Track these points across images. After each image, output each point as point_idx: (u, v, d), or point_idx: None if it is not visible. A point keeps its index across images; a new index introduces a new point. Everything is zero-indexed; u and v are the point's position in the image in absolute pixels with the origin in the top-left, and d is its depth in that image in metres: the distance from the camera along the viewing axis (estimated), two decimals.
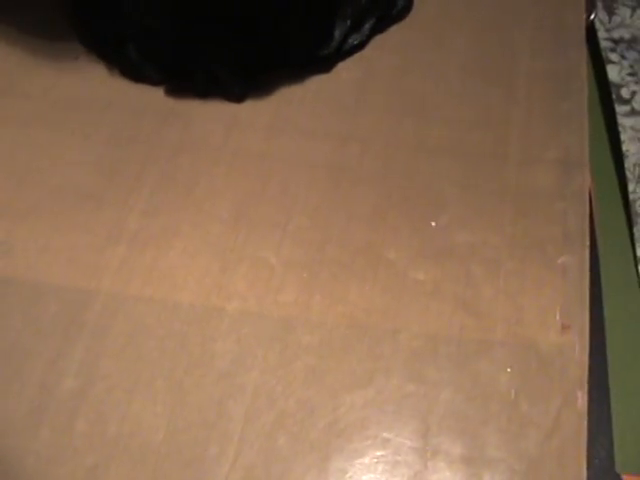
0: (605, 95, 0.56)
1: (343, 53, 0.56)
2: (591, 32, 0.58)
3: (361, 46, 0.56)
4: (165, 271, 0.46)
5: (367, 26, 0.56)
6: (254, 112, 0.53)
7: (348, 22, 0.55)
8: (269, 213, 0.48)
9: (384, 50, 0.56)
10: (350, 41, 0.56)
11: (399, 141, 0.51)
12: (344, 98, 0.54)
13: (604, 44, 0.57)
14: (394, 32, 0.57)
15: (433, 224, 0.47)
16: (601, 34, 0.58)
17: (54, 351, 0.43)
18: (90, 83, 0.55)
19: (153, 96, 0.54)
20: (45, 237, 0.48)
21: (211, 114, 0.53)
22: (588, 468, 0.39)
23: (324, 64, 0.55)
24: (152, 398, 0.41)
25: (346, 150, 0.51)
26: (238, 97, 0.54)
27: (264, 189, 0.49)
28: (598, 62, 0.57)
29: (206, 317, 0.44)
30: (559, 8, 0.58)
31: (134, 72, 0.55)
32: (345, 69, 0.55)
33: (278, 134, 0.52)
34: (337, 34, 0.55)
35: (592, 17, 0.59)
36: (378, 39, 0.57)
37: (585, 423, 0.40)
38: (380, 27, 0.57)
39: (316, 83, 0.54)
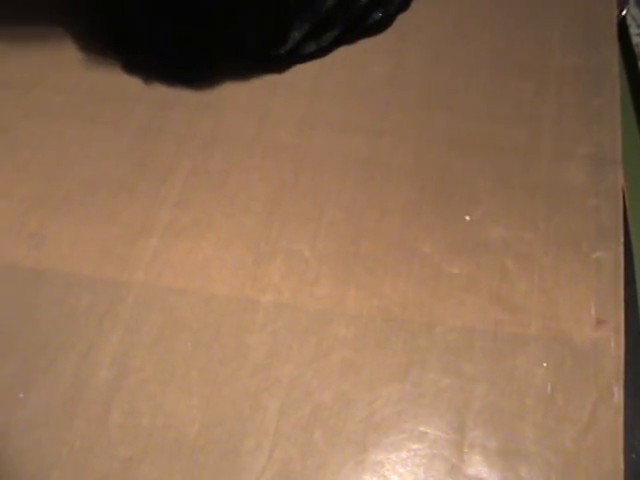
0: (637, 90, 0.55)
1: (299, 57, 0.56)
2: (623, 28, 0.58)
3: (321, 53, 0.56)
4: (198, 263, 0.45)
5: (329, 34, 0.56)
6: (286, 105, 0.53)
7: (307, 27, 0.55)
8: (302, 206, 0.48)
9: (415, 44, 0.56)
10: (307, 47, 0.56)
11: (431, 135, 0.51)
12: (375, 92, 0.54)
13: (636, 40, 0.57)
14: (425, 26, 0.58)
15: (467, 218, 0.46)
16: (633, 30, 0.58)
17: (88, 343, 0.43)
18: (119, 75, 0.56)
19: (182, 88, 0.54)
20: (77, 229, 0.48)
21: (242, 106, 0.53)
22: (624, 463, 0.39)
23: (276, 64, 0.56)
24: (187, 390, 0.41)
25: (378, 144, 0.50)
26: (188, 81, 0.55)
27: (297, 182, 0.49)
28: (630, 58, 0.57)
29: (240, 309, 0.44)
30: (591, 3, 0.58)
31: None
32: (376, 63, 0.55)
33: (310, 128, 0.52)
34: (292, 37, 0.55)
35: (624, 13, 0.58)
36: (407, 33, 0.57)
37: (621, 418, 0.40)
38: (349, 38, 0.57)
39: (347, 77, 0.55)
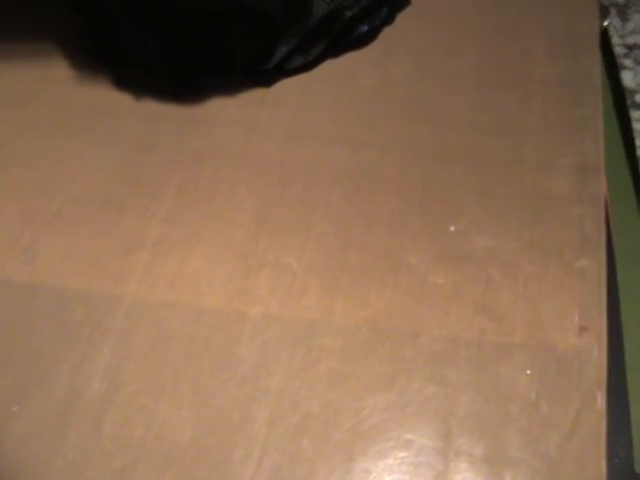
0: (620, 101, 0.56)
1: (286, 71, 0.57)
2: (605, 38, 0.58)
3: (307, 67, 0.57)
4: (188, 277, 0.46)
5: (316, 49, 0.57)
6: (273, 119, 0.54)
7: (293, 42, 0.56)
8: (290, 219, 0.48)
9: (400, 57, 0.57)
10: (295, 61, 0.57)
11: (416, 147, 0.51)
12: (361, 105, 0.54)
13: (618, 50, 0.58)
14: (410, 39, 0.58)
15: (452, 229, 0.47)
16: (615, 40, 0.58)
17: (80, 356, 0.44)
18: (109, 91, 0.56)
19: (172, 103, 0.55)
20: (69, 244, 0.48)
21: (230, 121, 0.54)
22: (607, 468, 0.39)
23: (264, 78, 0.56)
24: (178, 402, 0.42)
25: (365, 156, 0.51)
26: (176, 95, 0.55)
27: (284, 195, 0.50)
28: (612, 68, 0.58)
29: (230, 322, 0.44)
30: (573, 15, 0.59)
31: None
32: (362, 76, 0.56)
33: (297, 140, 0.52)
34: (279, 52, 0.56)
35: (606, 23, 0.59)
36: (393, 45, 0.58)
37: (604, 424, 0.40)
38: (334, 51, 0.58)
39: (333, 90, 0.55)
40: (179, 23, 0.53)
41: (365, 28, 0.57)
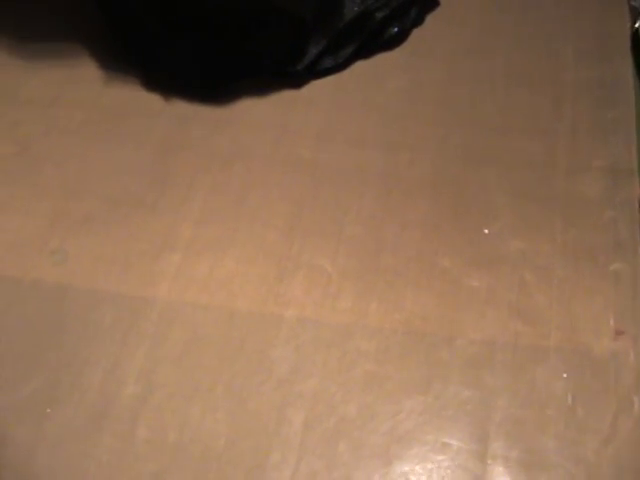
0: None
1: (316, 72, 0.57)
2: (636, 40, 0.58)
3: (337, 68, 0.57)
4: (221, 279, 0.46)
5: (347, 50, 0.57)
6: (303, 121, 0.54)
7: (323, 43, 0.56)
8: (323, 221, 0.48)
9: (429, 59, 0.57)
10: (325, 63, 0.57)
11: (448, 150, 0.52)
12: (391, 107, 0.55)
13: None
14: (439, 41, 0.58)
15: (485, 232, 0.47)
16: None
17: (113, 358, 0.44)
18: (138, 92, 0.56)
19: (201, 104, 0.55)
20: (100, 245, 0.48)
21: (260, 122, 0.54)
22: None
23: (293, 80, 0.56)
24: (212, 405, 0.42)
25: (396, 159, 0.51)
26: (207, 97, 0.55)
27: (316, 197, 0.50)
28: None
29: (264, 324, 0.44)
30: (603, 17, 0.59)
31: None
32: (392, 78, 0.56)
33: (327, 143, 0.52)
34: (310, 53, 0.56)
35: (637, 25, 0.59)
36: (422, 48, 0.58)
37: None
38: (365, 53, 0.58)
39: (364, 92, 0.55)
40: (210, 25, 0.53)
41: (395, 29, 0.57)
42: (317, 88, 0.56)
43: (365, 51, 0.57)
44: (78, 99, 0.57)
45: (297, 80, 0.56)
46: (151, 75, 0.57)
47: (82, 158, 0.53)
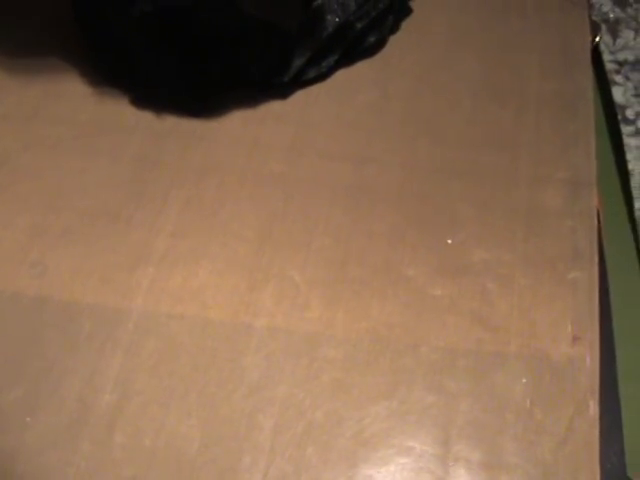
0: (611, 116, 0.57)
1: (302, 82, 0.58)
2: (596, 54, 0.60)
3: (321, 78, 0.59)
4: (195, 290, 0.48)
5: (329, 59, 0.58)
6: (274, 135, 0.55)
7: (308, 54, 0.57)
8: (293, 233, 0.50)
9: (399, 73, 0.59)
10: (310, 73, 0.58)
11: (414, 162, 0.53)
12: (361, 121, 0.56)
13: (609, 66, 0.59)
14: (408, 54, 0.60)
15: (449, 242, 0.49)
16: (606, 56, 0.60)
17: (90, 368, 0.45)
18: (114, 107, 0.57)
19: (176, 119, 0.56)
20: (78, 258, 0.49)
21: (232, 137, 0.55)
22: (600, 473, 0.41)
23: (280, 91, 0.58)
24: (186, 411, 0.43)
25: (364, 171, 0.53)
26: (195, 112, 0.57)
27: (287, 210, 0.51)
28: (604, 84, 0.59)
29: (235, 334, 0.46)
30: (565, 32, 0.60)
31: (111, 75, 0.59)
32: (361, 92, 0.57)
33: (298, 156, 0.54)
34: (295, 64, 0.57)
35: (597, 40, 0.60)
36: (392, 62, 0.59)
37: (597, 430, 0.42)
38: (346, 61, 0.60)
39: (334, 106, 0.57)
40: (195, 40, 0.55)
41: (374, 38, 0.59)
42: (287, 103, 0.57)
43: (346, 60, 0.59)
44: (56, 115, 0.58)
45: (283, 91, 0.58)
46: (133, 91, 0.58)
47: (60, 173, 0.54)
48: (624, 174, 0.54)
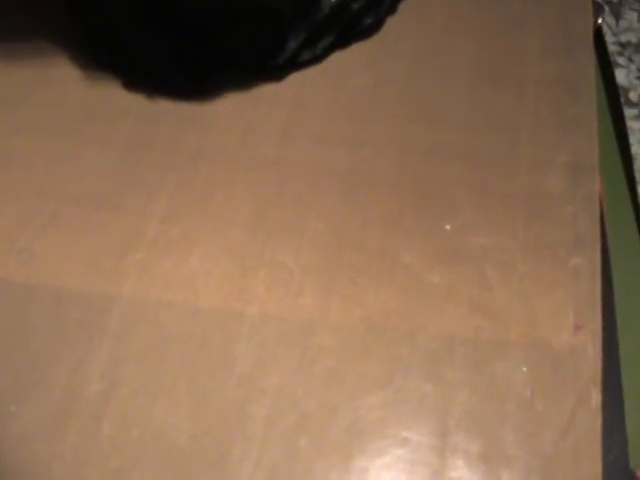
0: (613, 98, 0.56)
1: (297, 65, 0.57)
2: (599, 36, 0.59)
3: (316, 60, 0.58)
4: (185, 276, 0.46)
5: (325, 41, 0.57)
6: (268, 118, 0.54)
7: (303, 36, 0.56)
8: (286, 218, 0.49)
9: (394, 56, 0.57)
10: (305, 55, 0.57)
11: (411, 146, 0.52)
12: (356, 104, 0.55)
13: (612, 48, 0.58)
14: (404, 37, 0.59)
15: (447, 227, 0.47)
16: (609, 38, 0.59)
17: (78, 356, 0.44)
18: (105, 91, 0.56)
19: (168, 103, 0.55)
20: (66, 244, 0.48)
21: (226, 120, 0.54)
22: (603, 464, 0.40)
23: (275, 73, 0.57)
24: (175, 401, 0.42)
25: (359, 155, 0.51)
26: (188, 95, 0.55)
27: (280, 194, 0.50)
28: (606, 66, 0.58)
29: (227, 321, 0.45)
30: (567, 13, 0.59)
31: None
32: (357, 75, 0.56)
33: (292, 139, 0.53)
34: (290, 47, 0.56)
35: (600, 21, 0.59)
36: (388, 44, 0.58)
37: (599, 421, 0.41)
38: (341, 43, 0.58)
39: (328, 89, 0.56)
40: (188, 22, 0.53)
41: (371, 20, 0.58)
42: (282, 85, 0.56)
43: (342, 42, 0.58)
44: (46, 99, 0.56)
45: (278, 73, 0.56)
46: (124, 75, 0.57)
47: (48, 158, 0.53)
48: (627, 158, 0.53)
